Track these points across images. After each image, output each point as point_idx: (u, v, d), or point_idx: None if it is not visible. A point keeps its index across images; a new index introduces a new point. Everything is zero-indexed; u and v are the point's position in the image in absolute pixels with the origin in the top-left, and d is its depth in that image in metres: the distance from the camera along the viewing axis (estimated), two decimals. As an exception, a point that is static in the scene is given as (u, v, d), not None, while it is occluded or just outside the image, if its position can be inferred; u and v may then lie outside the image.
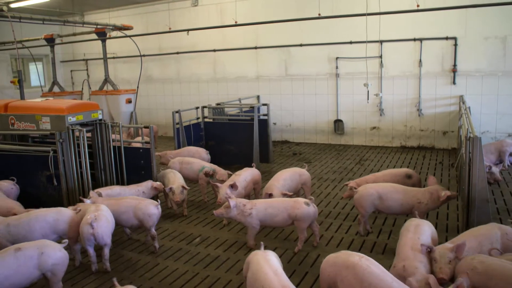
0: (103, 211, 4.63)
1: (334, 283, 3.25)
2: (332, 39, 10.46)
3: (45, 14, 11.84)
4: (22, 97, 7.75)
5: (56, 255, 3.83)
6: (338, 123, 10.79)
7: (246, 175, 6.09)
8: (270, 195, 5.40)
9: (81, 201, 5.14)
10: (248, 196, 5.98)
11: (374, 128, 10.51)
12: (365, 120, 10.56)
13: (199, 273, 4.54)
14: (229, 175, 6.43)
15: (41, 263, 3.72)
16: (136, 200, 5.14)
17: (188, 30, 10.44)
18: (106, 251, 4.58)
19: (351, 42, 10.19)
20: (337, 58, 10.51)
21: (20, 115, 6.42)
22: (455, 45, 9.28)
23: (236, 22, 10.03)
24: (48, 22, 9.15)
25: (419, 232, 3.81)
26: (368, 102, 9.90)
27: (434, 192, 4.89)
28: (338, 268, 3.23)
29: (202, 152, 7.67)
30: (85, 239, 4.41)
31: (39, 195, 6.23)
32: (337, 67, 10.55)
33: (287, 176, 5.94)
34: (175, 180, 6.08)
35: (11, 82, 8.63)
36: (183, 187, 5.94)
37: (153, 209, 5.02)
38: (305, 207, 4.79)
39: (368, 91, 9.39)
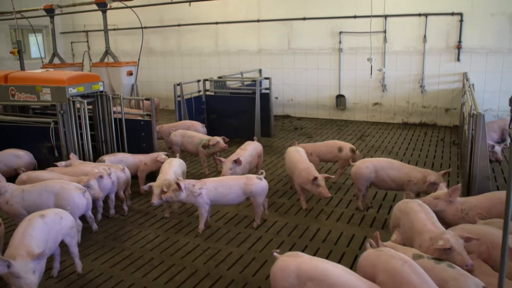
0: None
1: (371, 279, 2.92)
2: (336, 13, 10.29)
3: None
4: (22, 68, 7.70)
5: (72, 219, 3.95)
6: (340, 98, 10.72)
7: (251, 150, 6.05)
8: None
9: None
10: (250, 171, 5.97)
11: (376, 104, 10.44)
12: (367, 96, 10.49)
13: (200, 245, 4.59)
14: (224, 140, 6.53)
15: (62, 228, 3.78)
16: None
17: (190, 1, 10.26)
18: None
19: (355, 17, 10.04)
20: (340, 32, 10.37)
21: (20, 86, 6.39)
22: (461, 21, 9.14)
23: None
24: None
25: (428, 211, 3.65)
26: (371, 77, 9.81)
27: (426, 175, 4.86)
28: (377, 270, 2.90)
29: (198, 125, 7.62)
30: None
31: (40, 166, 6.24)
32: (340, 42, 10.42)
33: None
34: (166, 174, 5.16)
35: (11, 52, 8.56)
36: (168, 185, 4.87)
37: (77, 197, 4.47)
38: (259, 181, 4.82)
39: (371, 66, 9.29)
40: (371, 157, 6.80)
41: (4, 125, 6.46)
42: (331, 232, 4.81)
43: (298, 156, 5.58)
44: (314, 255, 3.76)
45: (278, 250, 3.23)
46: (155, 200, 4.77)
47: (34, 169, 5.99)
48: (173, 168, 5.31)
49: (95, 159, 6.10)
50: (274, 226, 5.01)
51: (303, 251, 4.32)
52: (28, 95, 6.33)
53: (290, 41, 11.13)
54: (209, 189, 4.74)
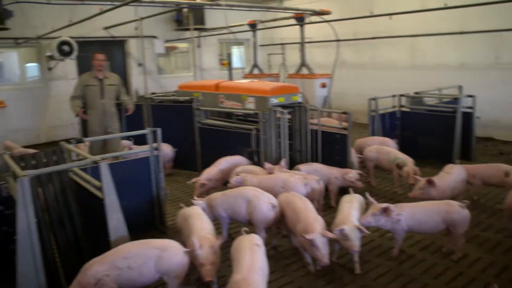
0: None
1: None
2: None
3: (250, 1, 12.64)
4: (231, 78, 8.42)
5: None
6: (559, 122, 9.22)
7: (456, 175, 5.51)
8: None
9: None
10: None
11: None
12: None
13: (392, 270, 4.35)
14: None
15: None
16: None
17: (390, 14, 9.97)
18: None
19: None
20: None
21: (229, 94, 6.99)
22: None
23: (445, 4, 9.18)
24: (254, 9, 9.75)
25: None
26: None
27: None
28: None
29: (389, 141, 7.33)
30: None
31: (241, 169, 6.73)
32: None
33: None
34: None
35: (222, 64, 9.48)
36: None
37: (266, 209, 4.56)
38: (461, 210, 4.36)
39: None
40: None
41: (213, 129, 7.17)
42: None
43: None
44: None
45: None
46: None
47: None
48: (353, 209, 4.54)
49: (290, 168, 6.32)
50: (477, 262, 4.48)
51: None
52: (234, 102, 6.90)
53: (499, 55, 9.98)
54: (408, 216, 4.43)
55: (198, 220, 4.11)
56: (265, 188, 4.92)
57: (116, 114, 7.16)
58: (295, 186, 5.06)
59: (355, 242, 4.08)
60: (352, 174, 5.83)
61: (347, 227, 4.09)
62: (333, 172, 5.96)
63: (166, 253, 3.42)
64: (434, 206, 4.52)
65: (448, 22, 10.60)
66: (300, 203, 4.48)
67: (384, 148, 6.77)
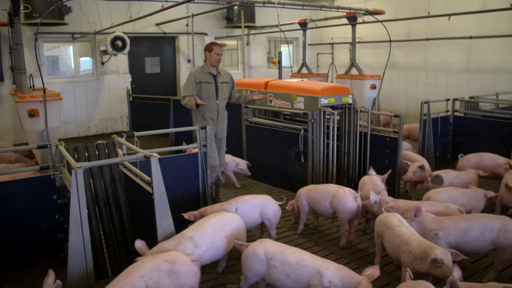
0: None
1: None
2: None
3: (302, 0, 12.52)
4: (280, 76, 8.36)
5: None
6: None
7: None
8: None
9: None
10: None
11: None
12: None
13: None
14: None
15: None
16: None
17: (449, 15, 9.59)
18: None
19: None
20: None
21: (278, 93, 6.94)
22: None
23: (511, 5, 8.72)
24: (306, 8, 9.62)
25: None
26: None
27: None
28: None
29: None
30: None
31: (286, 169, 6.67)
32: None
33: None
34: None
35: (272, 62, 9.43)
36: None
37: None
38: None
39: None
40: None
41: (261, 127, 7.14)
42: None
43: None
44: None
45: None
46: None
47: None
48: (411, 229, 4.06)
49: (337, 170, 6.21)
50: None
51: None
52: (283, 101, 6.84)
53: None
54: (451, 232, 4.00)
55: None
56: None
57: (227, 117, 6.12)
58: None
59: (450, 264, 3.37)
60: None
61: (438, 252, 3.40)
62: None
63: (177, 265, 3.28)
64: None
65: (508, 24, 10.10)
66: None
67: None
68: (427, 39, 11.78)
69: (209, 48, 5.69)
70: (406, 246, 3.64)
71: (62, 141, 4.44)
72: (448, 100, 8.28)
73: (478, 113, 8.25)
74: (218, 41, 5.59)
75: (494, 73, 10.61)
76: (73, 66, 11.98)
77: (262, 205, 4.64)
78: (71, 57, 11.95)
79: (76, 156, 4.14)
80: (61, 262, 4.29)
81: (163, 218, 3.76)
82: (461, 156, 6.56)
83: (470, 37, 10.86)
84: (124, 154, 4.57)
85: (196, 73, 5.76)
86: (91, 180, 4.11)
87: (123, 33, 10.45)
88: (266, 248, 3.52)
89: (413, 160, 6.31)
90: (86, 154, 4.21)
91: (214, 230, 3.89)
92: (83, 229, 3.45)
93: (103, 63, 11.58)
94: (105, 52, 10.64)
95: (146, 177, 3.78)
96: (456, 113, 8.24)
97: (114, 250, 4.19)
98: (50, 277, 3.11)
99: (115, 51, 10.27)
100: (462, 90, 10.95)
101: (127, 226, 4.22)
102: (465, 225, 3.94)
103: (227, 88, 5.99)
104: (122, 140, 4.41)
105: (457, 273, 3.43)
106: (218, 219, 4.03)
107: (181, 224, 4.28)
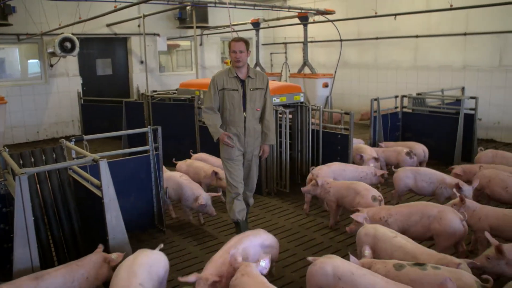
0: None
1: None
2: None
3: (254, 0, 12.61)
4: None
5: None
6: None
7: None
8: None
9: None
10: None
11: None
12: None
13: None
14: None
15: None
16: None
17: (395, 14, 9.91)
18: None
19: None
20: None
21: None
22: None
23: (451, 5, 9.11)
24: (258, 8, 9.69)
25: None
26: None
27: None
28: None
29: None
30: None
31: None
32: None
33: None
34: None
35: (225, 62, 9.44)
36: None
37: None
38: None
39: None
40: None
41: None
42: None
43: None
44: None
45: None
46: None
47: None
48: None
49: (290, 168, 6.29)
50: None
51: None
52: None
53: (503, 57, 9.93)
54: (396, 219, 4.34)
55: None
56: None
57: (260, 134, 4.78)
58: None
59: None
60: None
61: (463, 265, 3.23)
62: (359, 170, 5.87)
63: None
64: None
65: (452, 23, 10.56)
66: None
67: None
68: (377, 38, 12.13)
69: (229, 46, 4.61)
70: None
71: (6, 147, 4.28)
72: (396, 97, 8.56)
73: (425, 108, 8.58)
74: (234, 38, 4.59)
75: (439, 71, 11.06)
76: (20, 69, 11.55)
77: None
78: (17, 59, 11.51)
79: (22, 162, 4.01)
80: (8, 273, 4.14)
81: (115, 223, 3.70)
82: (481, 150, 6.91)
83: (417, 36, 11.28)
84: (73, 159, 4.46)
85: (218, 77, 4.58)
86: (38, 186, 4.00)
87: (72, 34, 10.18)
88: (335, 266, 3.18)
89: (365, 152, 6.53)
90: (32, 160, 4.08)
91: None
92: (30, 238, 3.33)
93: (51, 66, 11.22)
94: (53, 54, 10.32)
95: (96, 181, 3.71)
96: (405, 109, 8.53)
97: (65, 257, 4.09)
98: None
99: (64, 53, 9.99)
100: (410, 87, 11.34)
101: (77, 232, 4.13)
102: (408, 211, 4.22)
103: (260, 97, 4.67)
104: (70, 144, 4.31)
105: None
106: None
107: (134, 227, 4.22)
